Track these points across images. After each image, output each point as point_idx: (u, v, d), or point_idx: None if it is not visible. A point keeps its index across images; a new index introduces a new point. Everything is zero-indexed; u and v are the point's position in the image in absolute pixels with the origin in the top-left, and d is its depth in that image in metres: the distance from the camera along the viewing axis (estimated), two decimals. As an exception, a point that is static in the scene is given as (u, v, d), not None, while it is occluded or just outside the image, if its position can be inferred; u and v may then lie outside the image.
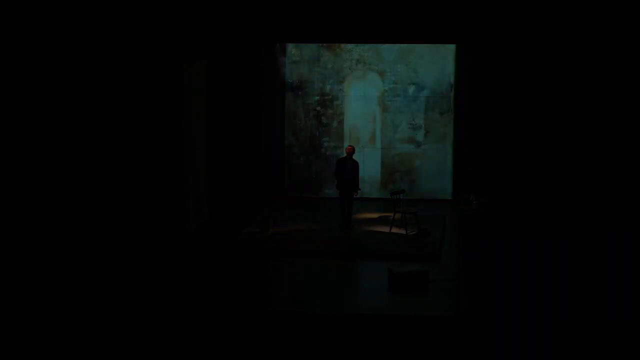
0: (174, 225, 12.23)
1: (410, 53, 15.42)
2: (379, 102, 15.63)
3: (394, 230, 12.98)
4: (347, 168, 13.06)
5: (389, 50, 15.48)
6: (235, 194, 13.80)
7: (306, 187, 15.79)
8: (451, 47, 15.20)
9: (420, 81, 15.53)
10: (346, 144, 14.52)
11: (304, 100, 15.70)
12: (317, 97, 15.68)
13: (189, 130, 12.65)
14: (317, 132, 15.74)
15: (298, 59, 15.64)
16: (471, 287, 10.33)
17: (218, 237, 12.53)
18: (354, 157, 13.19)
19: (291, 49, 15.65)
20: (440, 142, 15.62)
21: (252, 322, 8.84)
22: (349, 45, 15.49)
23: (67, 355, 8.18)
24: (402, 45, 15.29)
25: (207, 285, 10.27)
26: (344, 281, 10.99)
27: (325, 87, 15.63)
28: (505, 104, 12.77)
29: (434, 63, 15.46)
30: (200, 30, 12.67)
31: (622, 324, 8.58)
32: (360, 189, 13.33)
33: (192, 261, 11.58)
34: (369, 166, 15.60)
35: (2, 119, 10.84)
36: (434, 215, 13.92)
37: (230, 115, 13.73)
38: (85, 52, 11.64)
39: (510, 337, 8.21)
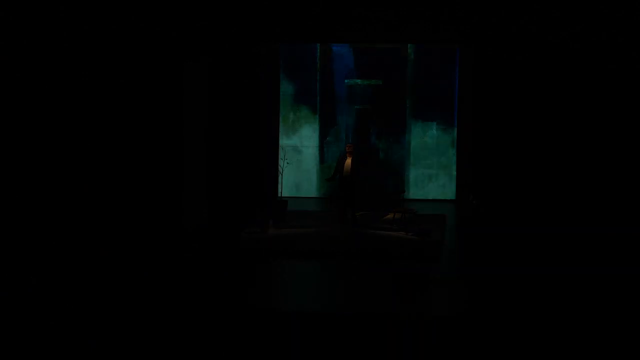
0: (174, 225, 12.21)
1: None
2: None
3: (394, 230, 12.98)
4: (347, 164, 13.13)
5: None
6: (235, 194, 13.79)
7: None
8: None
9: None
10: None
11: None
12: None
13: (189, 130, 12.65)
14: None
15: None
16: (471, 287, 10.33)
17: (218, 237, 12.52)
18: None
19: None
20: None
21: (252, 322, 8.84)
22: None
23: (67, 355, 8.17)
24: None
25: (206, 286, 10.26)
26: (344, 281, 10.98)
27: None
28: (506, 106, 12.78)
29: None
30: (201, 30, 12.67)
31: None
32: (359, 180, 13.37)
33: (191, 261, 11.56)
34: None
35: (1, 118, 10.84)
36: (434, 215, 13.92)
37: (231, 115, 13.73)
38: (85, 52, 11.64)
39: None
